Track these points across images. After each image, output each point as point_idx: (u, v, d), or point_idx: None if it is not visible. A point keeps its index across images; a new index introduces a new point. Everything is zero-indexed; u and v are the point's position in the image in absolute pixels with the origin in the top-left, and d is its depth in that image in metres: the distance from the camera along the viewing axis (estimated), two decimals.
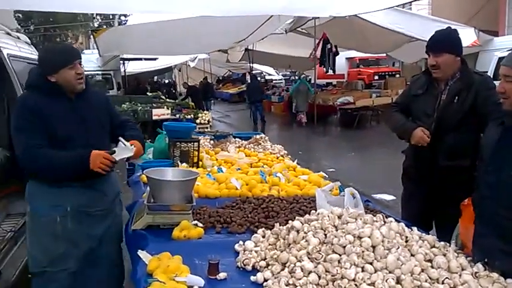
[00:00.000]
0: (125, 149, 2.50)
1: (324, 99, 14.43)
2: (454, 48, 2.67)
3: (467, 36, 10.51)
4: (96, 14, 20.30)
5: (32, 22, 18.15)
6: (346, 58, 20.47)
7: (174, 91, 22.25)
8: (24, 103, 2.38)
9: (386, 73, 20.42)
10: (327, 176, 3.74)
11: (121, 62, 16.22)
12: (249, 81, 17.77)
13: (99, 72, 15.63)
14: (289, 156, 4.62)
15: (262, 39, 11.41)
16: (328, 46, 12.60)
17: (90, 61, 16.04)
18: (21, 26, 16.82)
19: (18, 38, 4.78)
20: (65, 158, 2.37)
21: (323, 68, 13.64)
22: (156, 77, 27.61)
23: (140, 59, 17.01)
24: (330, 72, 13.64)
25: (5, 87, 3.97)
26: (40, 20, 18.00)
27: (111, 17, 20.50)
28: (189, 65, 22.67)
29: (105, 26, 8.83)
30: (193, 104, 12.67)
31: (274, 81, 25.28)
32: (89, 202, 2.49)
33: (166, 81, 29.94)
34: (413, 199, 2.90)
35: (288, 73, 27.70)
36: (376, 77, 20.45)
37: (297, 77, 23.72)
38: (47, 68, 2.40)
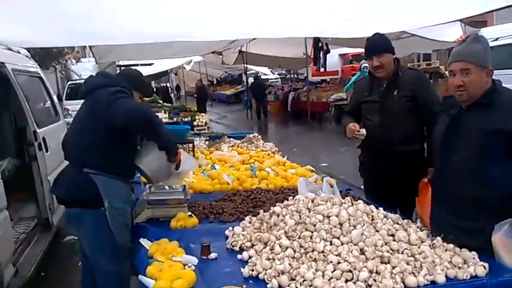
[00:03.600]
0: None
1: (318, 96, 14.71)
2: (390, 48, 3.00)
3: (454, 32, 10.75)
4: None
5: None
6: (339, 55, 20.63)
7: (171, 95, 22.51)
8: (124, 90, 2.56)
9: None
10: (314, 170, 4.03)
11: (117, 68, 16.48)
12: (244, 81, 18.33)
13: None
14: (280, 153, 4.91)
15: (254, 39, 11.64)
16: (320, 44, 12.83)
17: (86, 69, 16.35)
18: None
19: (19, 52, 5.06)
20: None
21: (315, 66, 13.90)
22: (153, 82, 27.92)
23: (136, 65, 17.27)
24: (322, 70, 13.86)
25: (11, 100, 4.26)
26: None
27: None
28: (184, 68, 22.92)
29: None
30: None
31: (270, 81, 25.57)
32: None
33: (164, 85, 30.29)
34: (374, 188, 3.19)
35: (284, 72, 27.97)
36: None
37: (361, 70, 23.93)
38: (137, 86, 2.73)
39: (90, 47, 9.08)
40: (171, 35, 4.39)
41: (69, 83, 16.35)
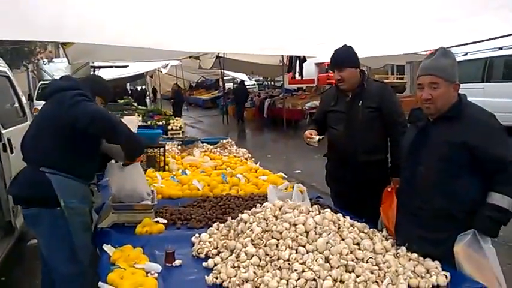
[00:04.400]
0: None
1: (293, 103, 14.82)
2: (353, 62, 3.05)
3: None
4: None
5: None
6: (315, 63, 20.90)
7: (146, 99, 22.26)
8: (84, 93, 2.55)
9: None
10: (286, 177, 4.04)
11: (91, 69, 16.20)
12: (221, 87, 18.58)
13: None
14: (253, 159, 4.90)
15: None
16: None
17: (59, 69, 16.00)
18: None
19: None
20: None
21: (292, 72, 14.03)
22: (128, 84, 27.56)
23: (111, 67, 17.01)
24: (299, 77, 14.00)
25: None
26: None
27: None
28: (160, 72, 22.70)
29: None
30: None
31: (247, 87, 25.61)
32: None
33: (140, 88, 29.94)
34: (340, 197, 3.22)
35: (261, 79, 28.08)
36: None
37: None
38: (100, 91, 2.77)
39: (63, 47, 8.93)
40: (143, 42, 4.38)
41: (41, 83, 15.98)
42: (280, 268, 1.88)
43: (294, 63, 12.71)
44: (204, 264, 2.08)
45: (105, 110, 2.62)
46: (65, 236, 2.45)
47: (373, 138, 3.03)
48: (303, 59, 13.23)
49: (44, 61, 19.41)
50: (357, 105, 3.03)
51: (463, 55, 10.41)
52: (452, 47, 4.44)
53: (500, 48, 9.92)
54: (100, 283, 1.85)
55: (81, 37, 4.28)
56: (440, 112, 2.18)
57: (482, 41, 4.71)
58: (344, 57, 3.05)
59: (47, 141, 2.50)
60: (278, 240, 2.00)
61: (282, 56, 12.21)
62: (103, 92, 2.83)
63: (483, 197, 2.08)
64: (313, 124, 3.32)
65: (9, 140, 4.06)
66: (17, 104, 5.18)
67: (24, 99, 5.51)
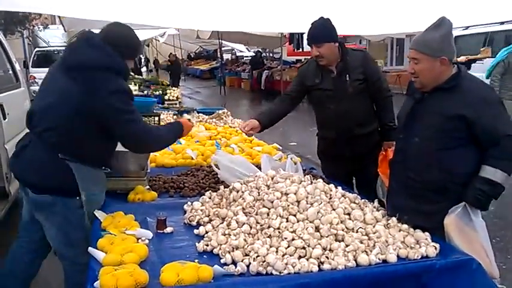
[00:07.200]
0: None
1: (291, 76, 14.64)
2: (331, 36, 2.91)
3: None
4: None
5: None
6: None
7: (139, 68, 22.02)
8: (126, 89, 2.27)
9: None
10: (281, 148, 4.03)
11: None
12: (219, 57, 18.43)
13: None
14: None
15: None
16: None
17: (55, 36, 15.74)
18: None
19: None
20: (167, 129, 2.56)
21: (292, 45, 13.86)
22: None
23: None
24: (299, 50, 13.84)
25: None
26: None
27: None
28: (158, 41, 22.35)
29: None
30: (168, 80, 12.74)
31: (245, 58, 25.33)
32: None
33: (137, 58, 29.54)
34: (333, 173, 3.11)
35: (260, 50, 27.73)
36: None
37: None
38: (131, 52, 2.35)
39: (59, 17, 8.69)
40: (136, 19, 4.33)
41: (36, 49, 15.69)
42: (270, 236, 1.89)
43: (295, 34, 12.52)
44: (196, 231, 2.09)
45: (146, 125, 2.42)
46: (82, 227, 2.26)
47: (365, 110, 3.01)
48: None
49: (39, 27, 19.03)
50: (344, 81, 2.95)
51: (463, 29, 10.26)
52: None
53: (502, 23, 9.75)
54: (90, 249, 1.85)
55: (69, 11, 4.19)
56: (429, 87, 2.17)
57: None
58: (321, 32, 2.91)
59: (69, 127, 2.16)
60: (269, 209, 2.01)
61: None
62: (133, 50, 2.38)
63: (478, 171, 2.07)
64: (278, 101, 3.31)
65: (1, 105, 4.01)
66: (9, 70, 5.10)
67: (18, 66, 5.42)
